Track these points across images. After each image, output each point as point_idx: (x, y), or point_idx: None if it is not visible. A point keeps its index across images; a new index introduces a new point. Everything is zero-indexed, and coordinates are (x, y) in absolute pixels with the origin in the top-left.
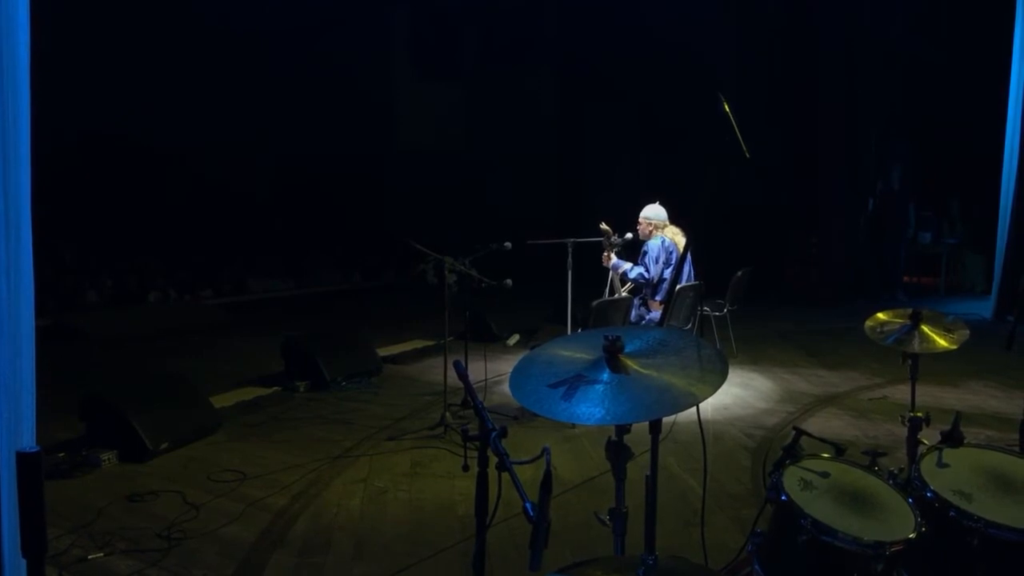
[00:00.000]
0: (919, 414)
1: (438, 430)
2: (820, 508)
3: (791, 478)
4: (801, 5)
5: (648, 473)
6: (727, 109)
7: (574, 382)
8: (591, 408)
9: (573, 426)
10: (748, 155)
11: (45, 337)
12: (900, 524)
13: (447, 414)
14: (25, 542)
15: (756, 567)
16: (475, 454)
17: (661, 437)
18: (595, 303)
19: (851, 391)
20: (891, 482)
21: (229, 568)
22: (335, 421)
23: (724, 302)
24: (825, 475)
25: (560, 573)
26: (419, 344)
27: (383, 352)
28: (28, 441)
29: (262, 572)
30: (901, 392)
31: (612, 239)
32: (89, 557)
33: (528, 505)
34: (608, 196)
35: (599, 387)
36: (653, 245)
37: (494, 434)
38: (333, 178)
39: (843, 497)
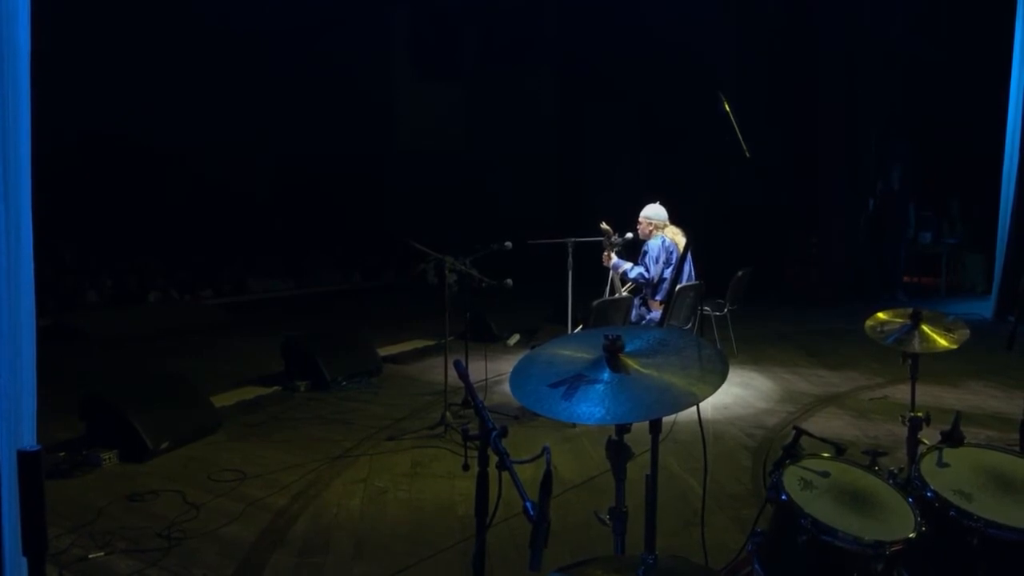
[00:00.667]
0: (919, 414)
1: (438, 430)
2: (820, 508)
3: (791, 478)
4: (801, 5)
5: (648, 473)
6: (727, 108)
7: (574, 382)
8: (591, 408)
9: (573, 425)
10: (748, 155)
11: (45, 337)
12: (900, 524)
13: (447, 414)
14: (26, 541)
15: (756, 567)
16: (475, 454)
17: (661, 437)
18: (595, 303)
19: (851, 391)
20: (891, 482)
21: (229, 568)
22: (335, 421)
23: (724, 302)
24: (825, 475)
25: (560, 572)
26: (419, 344)
27: (383, 352)
28: (29, 440)
29: (262, 572)
30: (901, 392)
31: (612, 239)
32: (89, 556)
33: (528, 505)
34: (608, 196)
35: (599, 387)
36: (653, 245)
37: (494, 433)
38: (333, 178)
39: (843, 497)
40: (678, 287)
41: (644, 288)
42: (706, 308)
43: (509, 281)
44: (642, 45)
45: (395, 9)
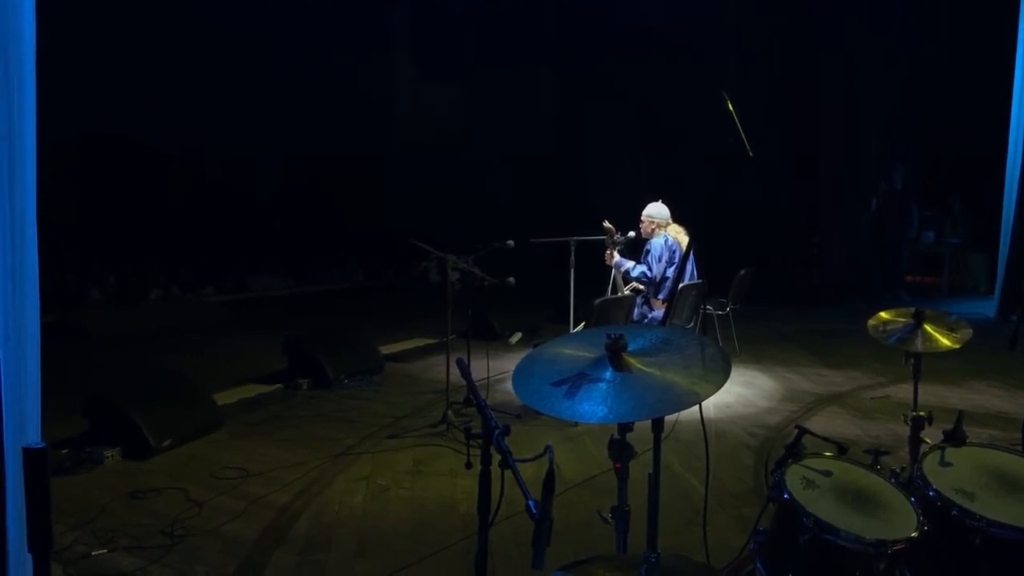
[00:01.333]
0: (921, 413)
1: (440, 428)
2: (822, 507)
3: (793, 476)
4: (801, 5)
5: (650, 471)
6: (731, 108)
7: (577, 380)
8: (594, 406)
9: (575, 424)
10: (752, 153)
11: (47, 335)
12: (902, 523)
13: (449, 412)
14: (32, 538)
15: (758, 566)
16: (478, 452)
17: (663, 436)
18: (597, 301)
19: (853, 390)
20: (893, 481)
21: (231, 565)
22: (337, 419)
23: (727, 301)
24: (827, 474)
25: (563, 571)
26: (421, 342)
27: (385, 350)
28: (33, 437)
29: (264, 569)
30: (903, 391)
31: (615, 237)
32: (92, 553)
33: (531, 503)
34: (608, 196)
35: (602, 385)
36: (656, 244)
37: (497, 432)
38: (334, 177)
39: (845, 496)
40: (680, 286)
41: (646, 287)
42: (708, 307)
43: (511, 279)
44: (642, 45)
45: (395, 9)
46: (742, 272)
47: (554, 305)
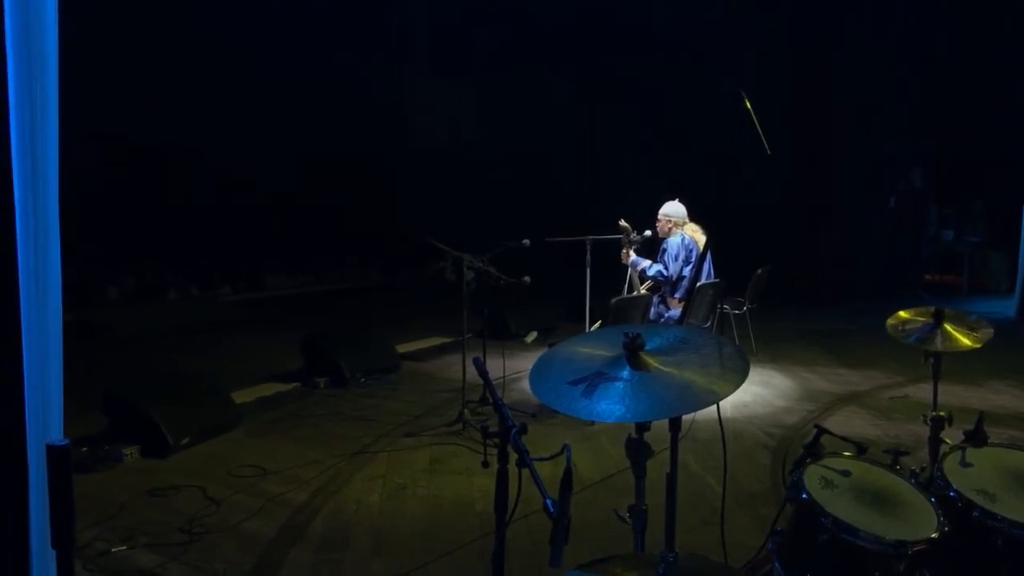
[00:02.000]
0: (941, 413)
1: (456, 427)
2: (841, 507)
3: (812, 476)
4: (815, 4)
5: (668, 471)
6: (748, 106)
7: (594, 379)
8: (612, 405)
9: (591, 423)
10: (769, 152)
11: (66, 333)
12: (922, 523)
13: (465, 411)
14: (55, 534)
15: (776, 566)
16: (495, 450)
17: (680, 435)
18: (614, 300)
19: (872, 390)
20: (913, 481)
21: (249, 563)
22: (354, 417)
23: (744, 300)
24: (846, 474)
25: (580, 570)
26: (437, 341)
27: (401, 349)
28: (56, 434)
29: (281, 567)
30: (922, 391)
31: (631, 236)
32: (112, 550)
33: (548, 501)
34: (623, 195)
35: (619, 384)
36: (673, 243)
37: (514, 430)
38: (349, 177)
39: (865, 496)
40: (698, 285)
41: (663, 286)
42: (725, 306)
43: (527, 278)
44: (657, 44)
45: (409, 8)
46: (759, 271)
47: (565, 305)
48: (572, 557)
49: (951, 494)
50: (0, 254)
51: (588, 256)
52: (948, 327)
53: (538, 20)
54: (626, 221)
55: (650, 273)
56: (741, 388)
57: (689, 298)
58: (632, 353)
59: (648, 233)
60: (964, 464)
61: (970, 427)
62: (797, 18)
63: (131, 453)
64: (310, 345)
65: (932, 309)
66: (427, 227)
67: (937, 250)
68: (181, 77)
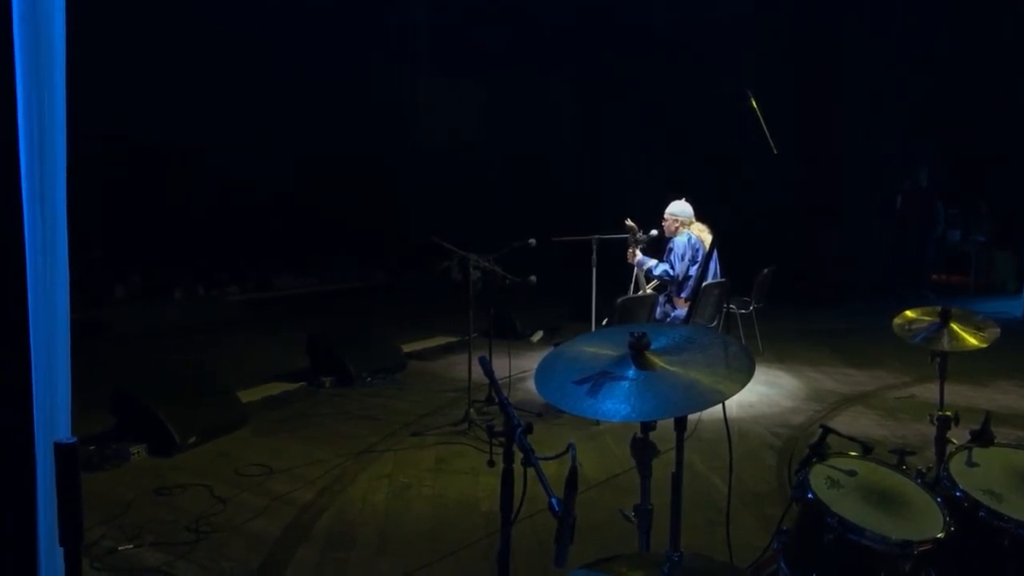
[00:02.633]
0: (948, 413)
1: (462, 426)
2: (847, 506)
3: (818, 476)
4: (816, 4)
5: (673, 470)
6: (755, 105)
7: (599, 379)
8: (617, 405)
9: (597, 423)
10: (776, 151)
11: (73, 333)
12: (928, 523)
13: (471, 410)
14: (63, 532)
15: (782, 566)
16: (500, 450)
17: (686, 435)
18: (620, 300)
19: (878, 389)
20: (919, 481)
21: (255, 561)
22: (360, 417)
23: (750, 300)
24: (852, 473)
25: (585, 569)
26: (443, 340)
27: (407, 348)
28: (64, 433)
29: (287, 566)
30: (929, 391)
31: (637, 236)
32: (119, 549)
33: (554, 501)
34: (628, 195)
35: (625, 384)
36: (679, 242)
37: (520, 430)
38: (354, 177)
39: (870, 496)
40: (704, 284)
41: (669, 285)
42: (731, 306)
43: (533, 278)
44: (661, 45)
45: (410, 8)
46: (765, 271)
47: (569, 305)
48: (577, 556)
49: (957, 494)
50: (8, 253)
51: (594, 255)
52: (955, 327)
53: (538, 20)
54: (633, 221)
55: (656, 272)
56: (747, 388)
57: (695, 298)
58: (638, 352)
59: (654, 232)
60: (970, 464)
61: (976, 427)
62: (797, 18)
63: (138, 452)
64: (316, 345)
65: (939, 309)
66: (429, 227)
67: (944, 250)
68: (181, 77)
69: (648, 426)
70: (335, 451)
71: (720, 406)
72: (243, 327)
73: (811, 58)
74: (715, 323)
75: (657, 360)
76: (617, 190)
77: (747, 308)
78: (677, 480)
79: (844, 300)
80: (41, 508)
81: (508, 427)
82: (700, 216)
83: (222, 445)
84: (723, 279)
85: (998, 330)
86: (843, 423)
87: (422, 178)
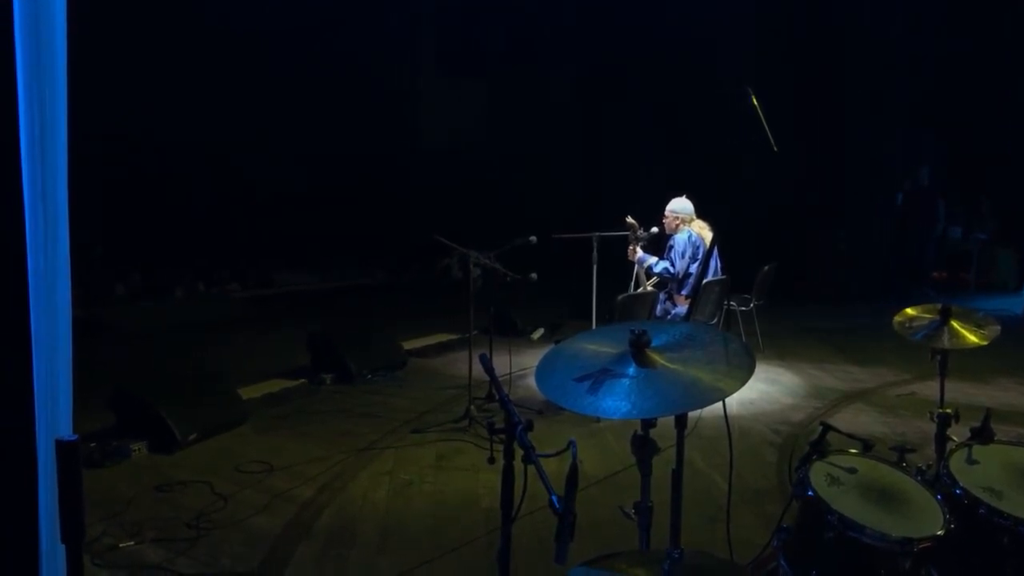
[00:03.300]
0: (948, 410)
1: (463, 423)
2: (847, 504)
3: (818, 474)
4: (817, 4)
5: (673, 467)
6: (756, 103)
7: (600, 376)
8: (617, 402)
9: (597, 420)
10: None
11: (74, 330)
12: (928, 521)
13: (472, 407)
14: (65, 529)
15: (782, 563)
16: (501, 447)
17: (686, 432)
18: (620, 297)
19: (879, 387)
20: (919, 479)
21: (255, 558)
22: (360, 414)
23: (750, 297)
24: (852, 471)
25: (585, 566)
26: (443, 338)
27: (407, 346)
28: (65, 430)
29: (288, 563)
30: (929, 388)
31: (638, 233)
32: (120, 545)
33: (554, 498)
34: (629, 193)
35: (625, 381)
36: (679, 239)
37: (520, 427)
38: (356, 175)
39: (870, 493)
40: (704, 282)
41: (669, 283)
42: (732, 303)
43: (534, 275)
44: (662, 43)
45: (411, 8)
46: (765, 268)
47: (568, 304)
48: (577, 554)
49: (957, 491)
50: (9, 252)
51: (595, 253)
52: (955, 324)
53: (539, 20)
54: (634, 219)
55: (656, 270)
56: (747, 385)
57: (695, 295)
58: (638, 350)
59: (655, 230)
60: (970, 461)
61: (977, 424)
62: (797, 18)
63: (139, 449)
64: (317, 342)
65: (939, 306)
66: (430, 225)
67: (945, 247)
68: (181, 77)
69: (648, 423)
70: (335, 448)
71: (720, 403)
72: (244, 325)
73: (811, 58)
74: (715, 320)
75: (657, 357)
76: (617, 189)
77: (747, 305)
78: (677, 477)
79: (844, 298)
80: (42, 505)
81: (509, 424)
82: (700, 214)
83: (223, 442)
84: (723, 276)
85: (998, 327)
86: (843, 420)
87: (423, 177)
